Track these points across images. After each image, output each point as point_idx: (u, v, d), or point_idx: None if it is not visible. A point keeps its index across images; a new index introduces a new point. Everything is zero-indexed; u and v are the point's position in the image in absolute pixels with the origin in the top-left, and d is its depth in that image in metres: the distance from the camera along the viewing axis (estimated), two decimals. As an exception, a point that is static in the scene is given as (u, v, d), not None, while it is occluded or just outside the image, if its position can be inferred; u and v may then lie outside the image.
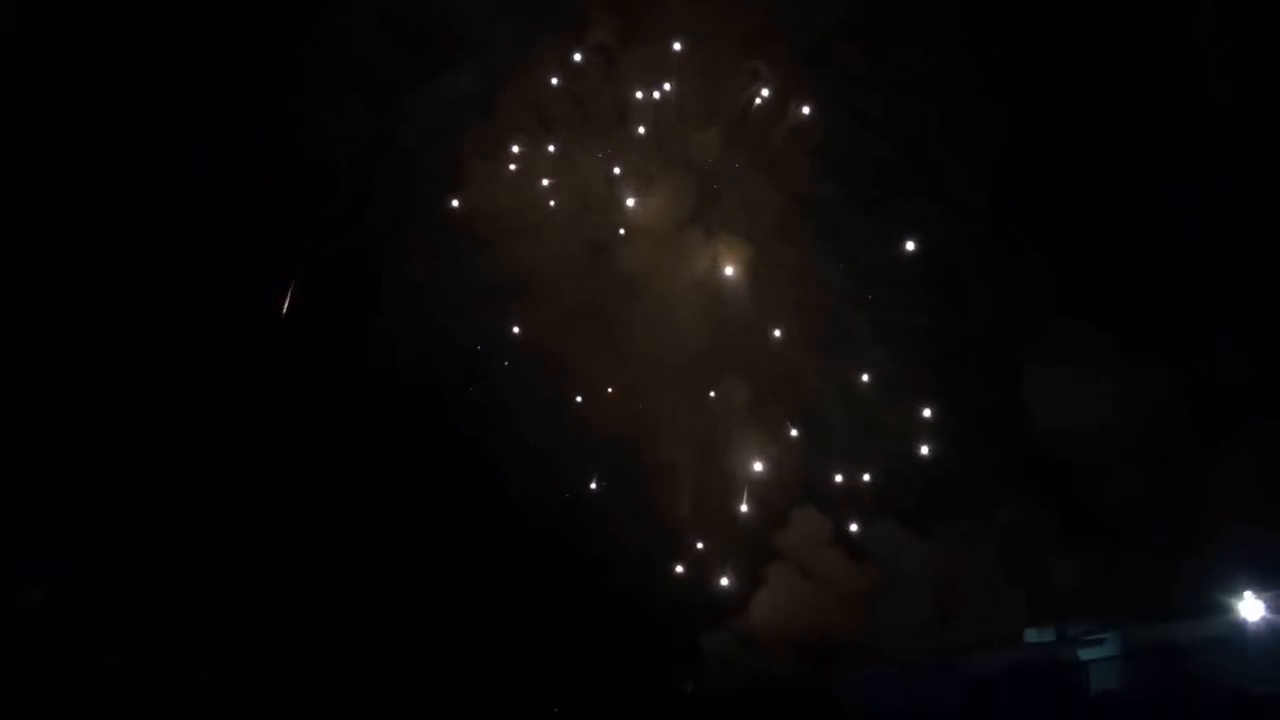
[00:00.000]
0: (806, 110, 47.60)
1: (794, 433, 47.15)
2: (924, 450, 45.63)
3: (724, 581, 46.25)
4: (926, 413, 45.62)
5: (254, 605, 42.70)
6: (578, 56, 48.64)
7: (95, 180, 45.18)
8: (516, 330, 48.59)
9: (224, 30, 45.65)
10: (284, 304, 46.61)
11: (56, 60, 44.85)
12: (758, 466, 46.82)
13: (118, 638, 40.26)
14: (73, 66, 45.16)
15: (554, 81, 48.88)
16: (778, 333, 47.45)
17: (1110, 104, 43.47)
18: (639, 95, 48.88)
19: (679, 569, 46.57)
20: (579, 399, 47.79)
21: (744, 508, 46.50)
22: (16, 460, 41.77)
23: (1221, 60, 40.90)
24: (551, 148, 49.22)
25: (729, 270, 47.64)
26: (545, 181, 49.13)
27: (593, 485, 47.62)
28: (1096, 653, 37.60)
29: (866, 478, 46.27)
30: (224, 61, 45.72)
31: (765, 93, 48.05)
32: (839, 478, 46.49)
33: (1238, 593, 35.90)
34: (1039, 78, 43.51)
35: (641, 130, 49.08)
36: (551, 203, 49.06)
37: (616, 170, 48.98)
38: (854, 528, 45.93)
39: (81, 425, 43.48)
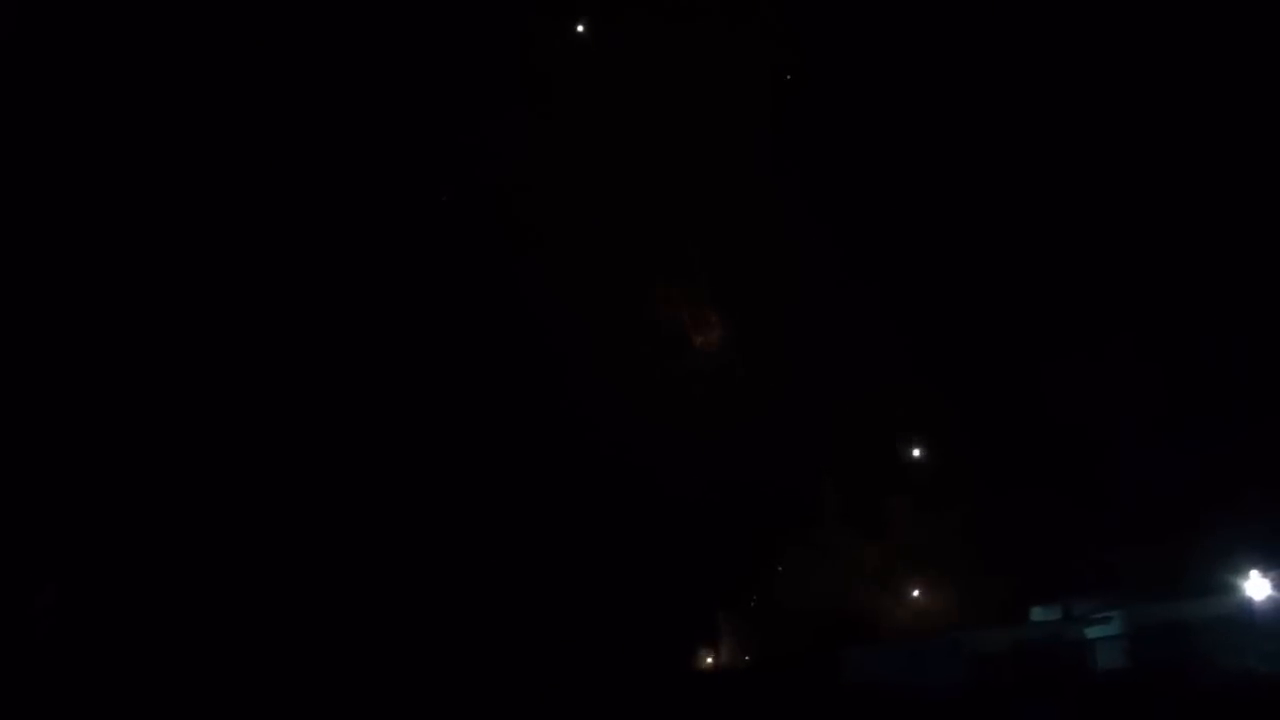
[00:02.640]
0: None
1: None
2: (937, 429, 45.42)
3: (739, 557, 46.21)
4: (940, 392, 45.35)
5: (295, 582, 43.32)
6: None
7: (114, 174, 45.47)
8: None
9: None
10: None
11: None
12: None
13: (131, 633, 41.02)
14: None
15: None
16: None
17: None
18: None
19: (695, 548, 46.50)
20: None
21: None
22: (30, 462, 42.25)
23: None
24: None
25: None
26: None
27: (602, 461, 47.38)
28: (1102, 631, 37.76)
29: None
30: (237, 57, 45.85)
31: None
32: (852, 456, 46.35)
33: (1243, 572, 36.12)
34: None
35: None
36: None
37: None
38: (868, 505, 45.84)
39: (96, 424, 43.91)
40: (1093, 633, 37.90)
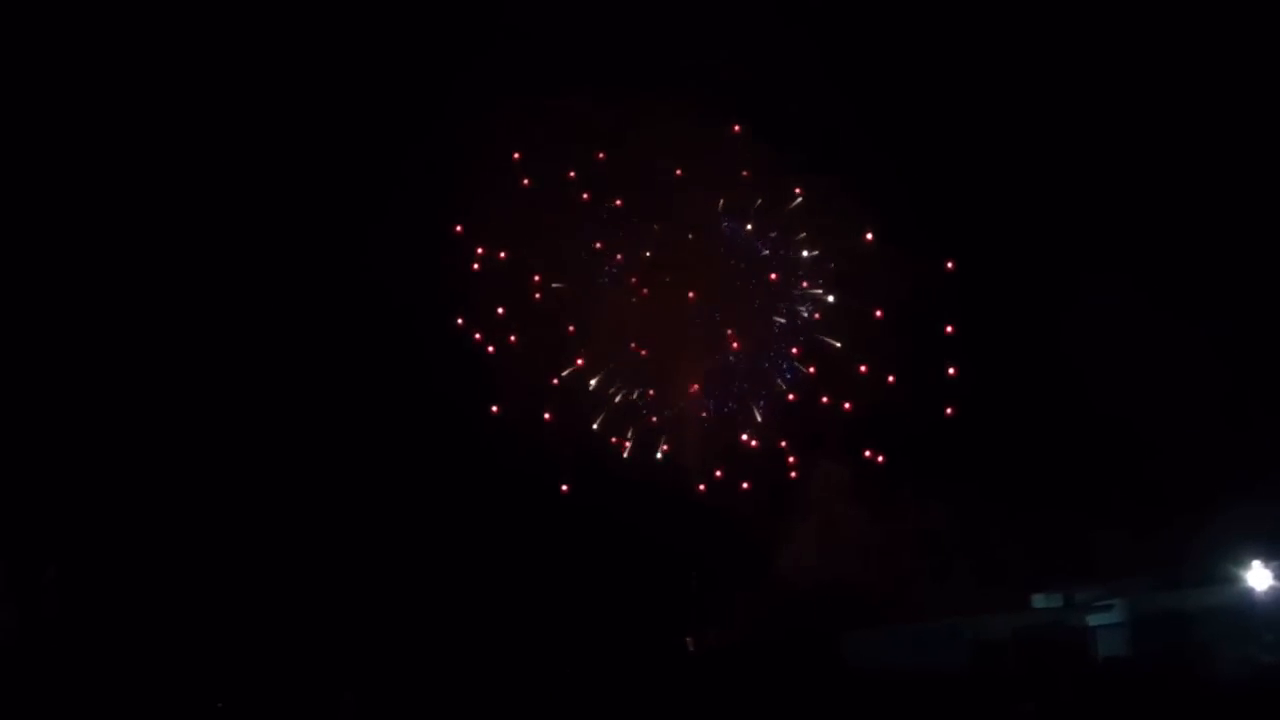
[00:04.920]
0: None
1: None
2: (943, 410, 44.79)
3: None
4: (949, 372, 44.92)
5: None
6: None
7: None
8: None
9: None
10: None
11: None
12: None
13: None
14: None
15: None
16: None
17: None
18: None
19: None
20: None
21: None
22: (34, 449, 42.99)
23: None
24: None
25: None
26: None
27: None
28: (1104, 619, 37.97)
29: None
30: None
31: None
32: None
33: (1246, 562, 36.29)
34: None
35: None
36: None
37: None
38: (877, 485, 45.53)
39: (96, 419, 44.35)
40: (1094, 620, 38.08)
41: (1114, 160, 43.10)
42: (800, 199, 45.93)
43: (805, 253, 46.34)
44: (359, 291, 45.11)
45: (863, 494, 44.92)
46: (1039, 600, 39.98)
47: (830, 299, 45.95)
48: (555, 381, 46.23)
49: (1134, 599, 37.62)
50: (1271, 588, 35.86)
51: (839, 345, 45.59)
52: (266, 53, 45.68)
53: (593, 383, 46.38)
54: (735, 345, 46.57)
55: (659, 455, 46.10)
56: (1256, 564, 36.12)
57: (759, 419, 46.34)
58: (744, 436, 46.18)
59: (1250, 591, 36.06)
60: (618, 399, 46.52)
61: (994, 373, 43.80)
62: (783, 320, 46.66)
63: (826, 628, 41.48)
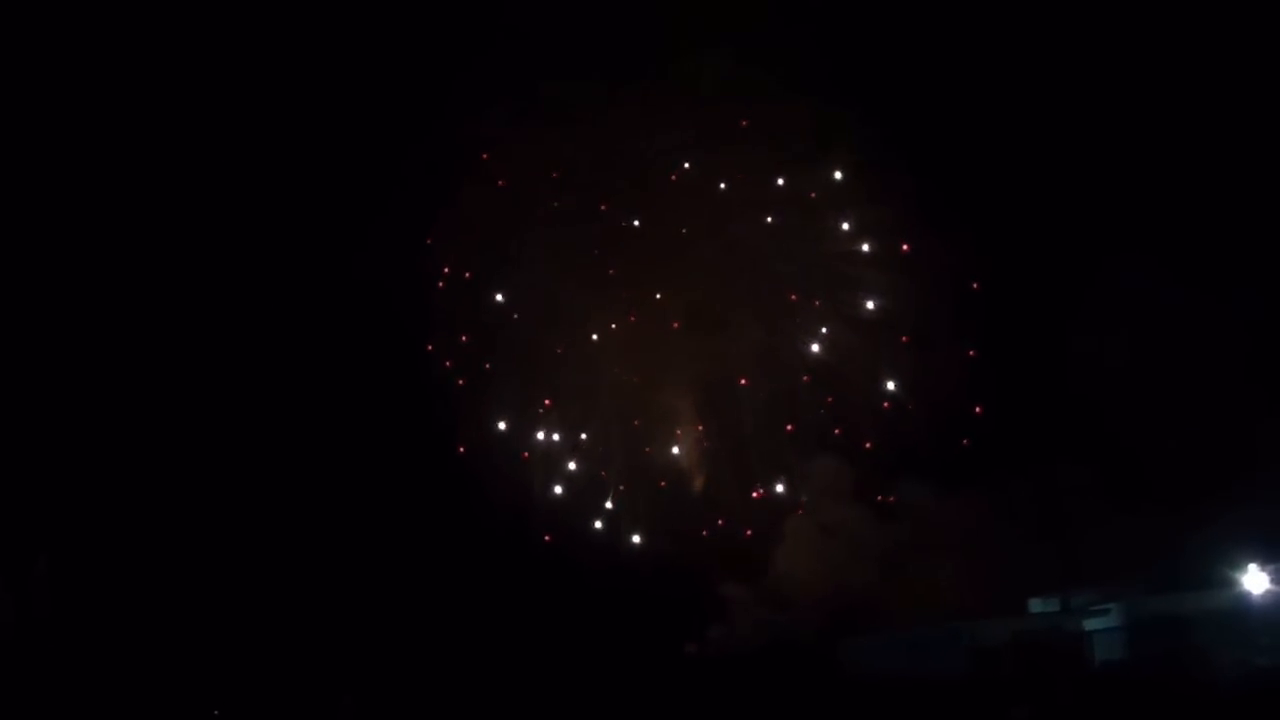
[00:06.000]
0: None
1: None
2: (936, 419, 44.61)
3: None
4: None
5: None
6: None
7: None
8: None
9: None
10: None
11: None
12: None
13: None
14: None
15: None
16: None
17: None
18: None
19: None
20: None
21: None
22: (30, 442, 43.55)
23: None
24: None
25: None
26: None
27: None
28: (1100, 623, 37.93)
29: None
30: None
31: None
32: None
33: (1242, 565, 36.26)
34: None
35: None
36: None
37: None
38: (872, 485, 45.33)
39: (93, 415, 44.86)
40: (1091, 625, 38.05)
41: (1126, 168, 43.37)
42: (839, 180, 44.41)
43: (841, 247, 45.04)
44: (335, 304, 45.55)
45: (861, 496, 45.12)
46: (1036, 604, 39.93)
47: (869, 307, 44.55)
48: (540, 410, 45.37)
49: (1130, 603, 37.53)
50: (1268, 591, 35.84)
51: (891, 386, 44.34)
52: (249, 52, 46.21)
53: (559, 436, 45.25)
54: (743, 381, 45.19)
55: (636, 539, 45.09)
56: (1253, 568, 36.11)
57: (774, 474, 45.49)
58: (755, 494, 45.12)
59: (1247, 595, 36.05)
60: (599, 442, 45.53)
61: (1000, 378, 43.97)
62: (816, 348, 45.23)
63: (823, 632, 41.70)
